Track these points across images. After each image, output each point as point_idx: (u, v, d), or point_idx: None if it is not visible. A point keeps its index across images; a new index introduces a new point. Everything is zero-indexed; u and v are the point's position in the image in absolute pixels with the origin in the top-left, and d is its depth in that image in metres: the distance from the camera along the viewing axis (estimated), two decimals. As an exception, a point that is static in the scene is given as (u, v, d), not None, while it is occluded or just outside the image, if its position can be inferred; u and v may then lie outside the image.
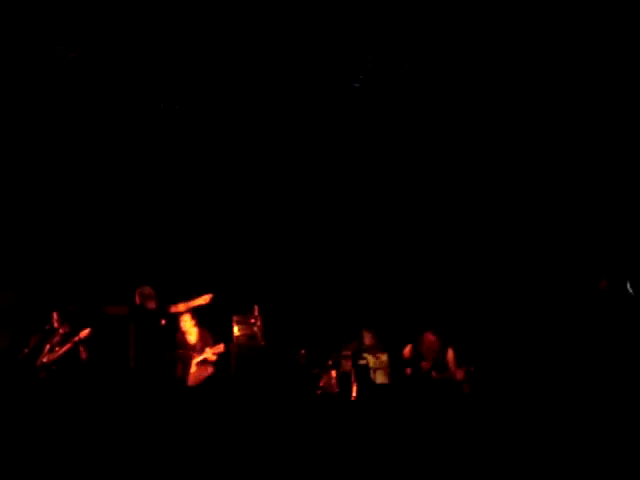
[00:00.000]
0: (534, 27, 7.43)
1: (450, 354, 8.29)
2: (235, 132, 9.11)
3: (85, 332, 8.12)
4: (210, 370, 8.56)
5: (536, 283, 9.12)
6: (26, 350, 8.20)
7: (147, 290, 8.45)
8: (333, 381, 8.56)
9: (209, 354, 8.47)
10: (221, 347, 8.47)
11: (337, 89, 8.35)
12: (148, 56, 7.83)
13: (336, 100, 8.54)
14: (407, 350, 8.50)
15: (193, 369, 8.51)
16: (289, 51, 7.69)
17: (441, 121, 8.98)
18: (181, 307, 8.59)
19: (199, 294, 8.62)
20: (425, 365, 8.23)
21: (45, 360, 8.11)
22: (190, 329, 8.62)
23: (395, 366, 8.54)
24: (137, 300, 8.40)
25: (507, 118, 8.78)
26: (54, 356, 8.12)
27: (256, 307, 8.98)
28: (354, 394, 8.30)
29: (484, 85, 8.38)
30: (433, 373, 8.17)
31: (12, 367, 8.39)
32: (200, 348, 8.55)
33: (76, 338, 8.11)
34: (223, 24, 7.34)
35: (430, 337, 8.29)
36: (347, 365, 8.50)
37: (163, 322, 8.38)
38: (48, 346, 8.18)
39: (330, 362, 8.60)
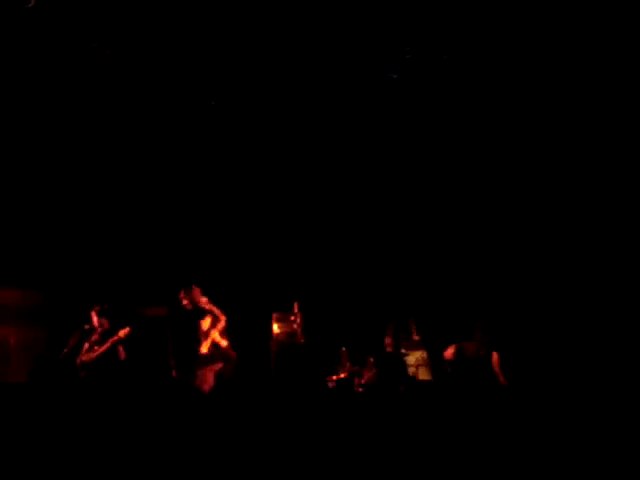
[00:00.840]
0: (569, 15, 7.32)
1: (495, 358, 8.07)
2: (268, 125, 9.03)
3: (124, 331, 8.05)
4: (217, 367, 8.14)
5: (571, 283, 8.90)
6: (65, 350, 8.14)
7: (195, 292, 8.25)
8: (374, 378, 8.43)
9: (216, 335, 8.12)
10: (222, 322, 8.14)
11: (375, 80, 8.25)
12: (181, 53, 7.80)
13: (374, 91, 8.44)
14: (449, 351, 8.32)
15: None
16: (327, 42, 7.60)
17: (481, 113, 8.85)
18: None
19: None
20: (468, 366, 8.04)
21: (84, 359, 8.06)
22: None
23: (437, 364, 8.41)
24: (181, 298, 8.25)
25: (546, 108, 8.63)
26: (93, 355, 8.06)
27: (296, 304, 8.89)
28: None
29: (522, 75, 8.23)
30: (476, 377, 7.98)
31: (52, 368, 8.36)
32: (206, 334, 8.21)
33: (115, 337, 8.05)
34: (256, 17, 7.28)
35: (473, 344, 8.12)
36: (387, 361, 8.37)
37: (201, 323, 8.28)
38: (87, 345, 8.12)
39: (371, 359, 8.47)
